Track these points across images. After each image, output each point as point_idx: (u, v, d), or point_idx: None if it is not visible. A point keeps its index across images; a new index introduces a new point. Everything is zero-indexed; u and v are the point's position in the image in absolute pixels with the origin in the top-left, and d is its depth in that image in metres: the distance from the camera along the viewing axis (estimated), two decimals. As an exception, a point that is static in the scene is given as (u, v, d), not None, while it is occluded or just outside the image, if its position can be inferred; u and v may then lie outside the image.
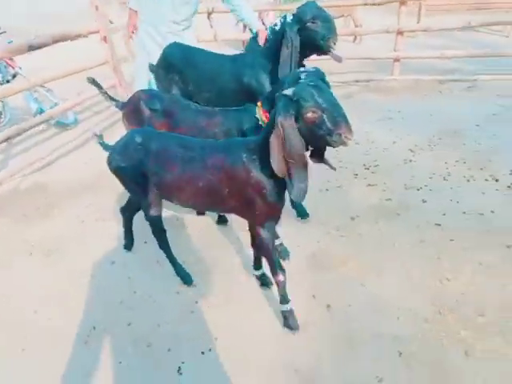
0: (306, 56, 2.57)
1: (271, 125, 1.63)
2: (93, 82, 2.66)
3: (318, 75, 1.80)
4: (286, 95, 1.55)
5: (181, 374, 1.87)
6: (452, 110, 4.52)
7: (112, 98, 2.70)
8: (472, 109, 4.52)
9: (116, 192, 3.28)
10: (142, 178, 2.02)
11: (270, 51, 2.62)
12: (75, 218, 3.14)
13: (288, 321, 2.04)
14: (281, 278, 2.00)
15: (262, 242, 1.97)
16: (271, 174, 1.70)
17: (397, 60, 5.77)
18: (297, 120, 1.54)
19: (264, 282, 2.35)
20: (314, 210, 2.89)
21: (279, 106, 1.56)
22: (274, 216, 1.95)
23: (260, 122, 2.28)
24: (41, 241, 2.90)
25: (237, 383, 1.81)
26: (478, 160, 3.42)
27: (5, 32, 4.87)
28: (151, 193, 2.08)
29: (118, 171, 2.11)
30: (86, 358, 1.99)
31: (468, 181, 3.15)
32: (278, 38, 2.52)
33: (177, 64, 2.86)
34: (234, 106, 2.53)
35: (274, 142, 1.58)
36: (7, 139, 3.86)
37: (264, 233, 1.94)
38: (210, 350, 1.96)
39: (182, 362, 1.91)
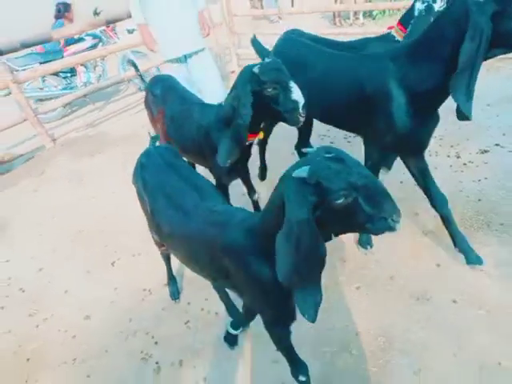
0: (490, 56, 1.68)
1: (273, 213, 1.26)
2: (132, 64, 3.04)
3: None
4: (298, 178, 1.11)
5: None
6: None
7: (143, 81, 2.94)
8: (493, 87, 4.25)
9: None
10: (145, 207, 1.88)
11: (417, 49, 1.86)
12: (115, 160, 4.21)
13: None
14: (303, 378, 1.73)
15: (276, 341, 1.70)
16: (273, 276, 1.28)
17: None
18: (315, 208, 1.12)
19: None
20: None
21: (289, 195, 1.13)
22: (287, 319, 1.55)
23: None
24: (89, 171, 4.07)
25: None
26: (456, 137, 3.46)
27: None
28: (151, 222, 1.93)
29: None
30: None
31: (430, 155, 3.26)
32: (440, 25, 1.72)
33: (289, 54, 2.50)
34: (346, 126, 2.44)
35: (282, 245, 1.17)
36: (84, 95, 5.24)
37: (276, 331, 1.65)
38: None
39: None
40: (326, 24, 9.40)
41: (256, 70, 1.92)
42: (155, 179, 1.79)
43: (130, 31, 6.55)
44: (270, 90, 1.92)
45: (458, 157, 3.21)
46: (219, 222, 1.51)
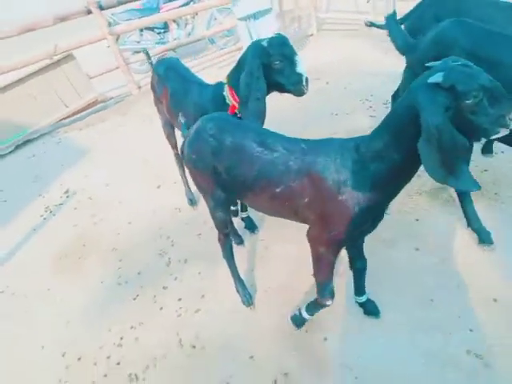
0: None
1: (392, 123, 1.39)
2: (145, 52, 3.28)
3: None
4: (432, 84, 1.22)
5: None
6: None
7: (151, 63, 3.24)
8: None
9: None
10: (213, 174, 1.83)
11: None
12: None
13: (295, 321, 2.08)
14: (329, 302, 1.84)
15: (321, 262, 1.76)
16: (375, 187, 1.45)
17: None
18: (446, 110, 1.23)
19: (369, 309, 2.10)
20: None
21: (424, 100, 1.23)
22: (350, 240, 1.73)
23: (227, 101, 2.26)
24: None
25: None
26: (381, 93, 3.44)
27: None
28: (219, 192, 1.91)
29: (188, 164, 1.95)
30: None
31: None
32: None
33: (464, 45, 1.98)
34: None
35: (425, 150, 1.26)
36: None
37: (328, 253, 1.70)
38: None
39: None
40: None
41: (265, 43, 2.05)
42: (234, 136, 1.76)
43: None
44: (277, 62, 2.04)
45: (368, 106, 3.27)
46: (315, 150, 1.58)
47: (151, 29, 6.74)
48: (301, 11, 7.07)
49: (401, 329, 1.93)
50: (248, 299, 2.30)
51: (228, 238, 2.22)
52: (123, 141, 4.54)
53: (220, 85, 2.34)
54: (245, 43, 4.70)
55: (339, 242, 1.66)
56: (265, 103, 2.11)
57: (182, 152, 1.97)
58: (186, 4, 6.82)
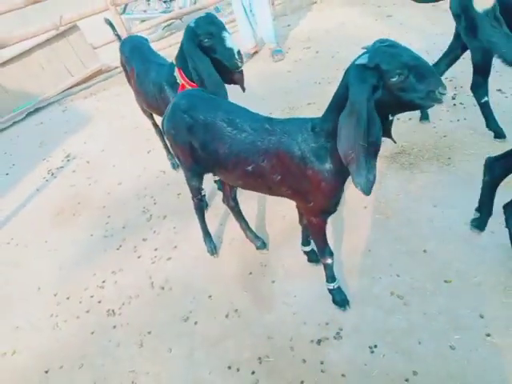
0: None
1: (337, 102, 1.47)
2: (109, 23, 3.19)
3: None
4: (359, 65, 1.33)
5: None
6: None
7: (120, 39, 3.15)
8: None
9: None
10: (189, 149, 1.95)
11: None
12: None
13: (335, 298, 2.12)
14: (329, 261, 2.02)
15: (314, 229, 1.95)
16: (335, 163, 1.57)
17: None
18: (375, 90, 1.32)
19: (312, 258, 2.35)
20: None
21: (352, 78, 1.34)
22: (331, 209, 1.82)
23: (178, 81, 2.36)
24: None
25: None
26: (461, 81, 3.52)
27: None
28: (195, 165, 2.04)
29: (168, 138, 2.08)
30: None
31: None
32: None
33: None
34: None
35: (345, 122, 1.38)
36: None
37: (317, 221, 1.87)
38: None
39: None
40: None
41: (192, 24, 2.15)
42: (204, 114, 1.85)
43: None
44: (206, 40, 2.12)
45: (453, 98, 3.35)
46: (280, 131, 1.67)
47: (156, -4, 6.88)
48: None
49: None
50: (212, 249, 2.59)
51: (200, 201, 2.46)
52: (120, 109, 4.82)
53: (172, 65, 2.45)
54: (237, 11, 4.84)
55: (323, 211, 1.81)
56: (218, 77, 2.20)
57: (163, 125, 2.08)
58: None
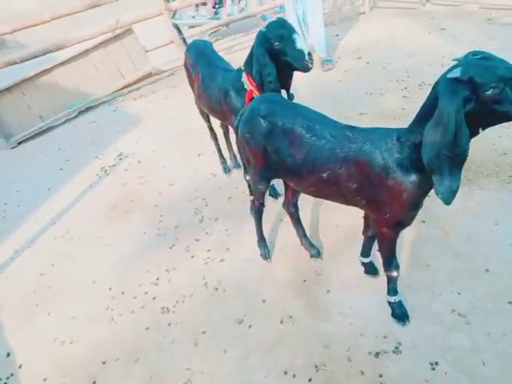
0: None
1: (424, 114, 1.47)
2: (176, 27, 3.45)
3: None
4: (451, 78, 1.32)
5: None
6: None
7: (186, 43, 3.36)
8: None
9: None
10: (262, 153, 1.96)
11: None
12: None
13: (395, 312, 2.10)
14: (394, 274, 2.01)
15: (384, 241, 1.92)
16: (419, 175, 1.56)
17: None
18: (465, 103, 1.32)
19: (370, 270, 2.35)
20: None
21: (442, 90, 1.35)
22: (407, 222, 1.78)
23: (245, 86, 2.43)
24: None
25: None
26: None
27: None
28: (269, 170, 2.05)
29: (242, 140, 2.07)
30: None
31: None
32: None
33: None
34: None
35: (431, 131, 1.39)
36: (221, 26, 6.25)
37: (390, 233, 1.84)
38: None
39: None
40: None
41: (263, 29, 2.20)
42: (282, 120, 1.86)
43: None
44: (276, 43, 2.15)
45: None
46: (362, 139, 1.67)
47: (205, 4, 7.04)
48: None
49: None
50: (266, 253, 2.62)
51: (262, 205, 2.44)
52: (170, 112, 4.96)
53: (239, 71, 2.50)
54: (290, 19, 4.88)
55: (398, 223, 1.78)
56: (277, 84, 2.26)
57: (237, 128, 2.09)
58: (240, -19, 7.04)
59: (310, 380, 1.96)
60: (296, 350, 2.11)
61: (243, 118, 2.02)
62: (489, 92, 1.28)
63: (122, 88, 5.79)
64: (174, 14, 7.13)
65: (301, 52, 2.14)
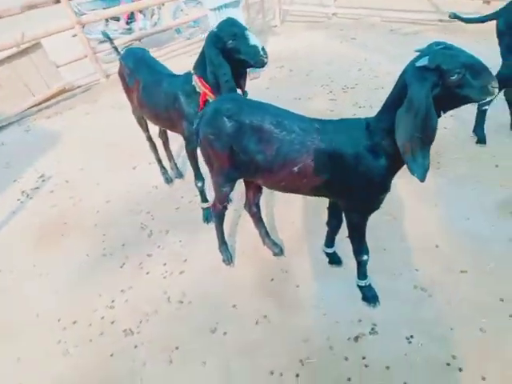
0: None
1: (392, 102, 1.57)
2: (106, 36, 3.17)
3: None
4: (420, 66, 1.43)
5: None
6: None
7: (118, 53, 3.06)
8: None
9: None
10: (229, 154, 1.93)
11: None
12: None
13: (366, 295, 2.20)
14: (365, 258, 2.11)
15: (355, 227, 2.00)
16: (388, 160, 1.65)
17: (487, 2, 5.65)
18: (434, 87, 1.43)
19: (334, 260, 2.44)
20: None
21: (412, 78, 1.45)
22: (377, 206, 1.87)
23: (198, 90, 2.38)
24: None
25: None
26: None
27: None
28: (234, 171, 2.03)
29: (204, 143, 2.00)
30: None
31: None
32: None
33: None
34: None
35: (403, 117, 1.48)
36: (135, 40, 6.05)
37: (360, 219, 1.94)
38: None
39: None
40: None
41: (215, 29, 2.18)
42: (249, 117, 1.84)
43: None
44: (230, 42, 2.13)
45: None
46: (332, 130, 1.74)
47: (117, 19, 6.79)
48: (266, 3, 7.32)
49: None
50: (229, 258, 2.56)
51: (224, 209, 2.38)
52: (94, 127, 4.66)
53: (188, 75, 2.45)
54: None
55: (369, 208, 1.87)
56: (233, 83, 2.21)
57: (197, 132, 2.02)
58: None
59: (297, 375, 1.95)
60: (277, 349, 2.08)
61: (205, 120, 1.96)
62: (453, 77, 1.40)
63: (33, 106, 5.30)
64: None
65: (255, 48, 2.13)
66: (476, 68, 1.41)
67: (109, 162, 3.94)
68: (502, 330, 1.98)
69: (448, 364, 1.88)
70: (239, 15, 4.42)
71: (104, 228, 3.12)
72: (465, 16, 3.28)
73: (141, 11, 6.81)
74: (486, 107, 3.12)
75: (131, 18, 6.98)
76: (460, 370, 1.86)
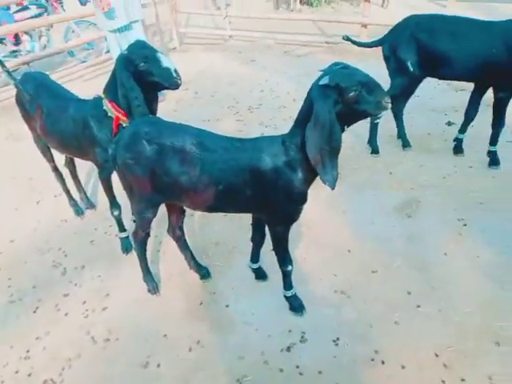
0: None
1: (302, 118, 1.70)
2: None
3: None
4: (322, 85, 1.58)
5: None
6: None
7: (12, 77, 2.79)
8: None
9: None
10: (150, 177, 1.91)
11: None
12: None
13: (293, 304, 2.29)
14: (289, 268, 2.20)
15: (278, 239, 2.09)
16: (304, 172, 1.79)
17: (364, 26, 6.35)
18: (336, 104, 1.59)
19: (260, 274, 2.51)
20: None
21: (316, 96, 1.59)
22: (297, 217, 2.00)
23: (110, 114, 2.33)
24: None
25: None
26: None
27: None
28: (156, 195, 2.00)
29: (122, 169, 1.96)
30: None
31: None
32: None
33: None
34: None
35: (311, 132, 1.62)
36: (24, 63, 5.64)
37: (283, 230, 2.04)
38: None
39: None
40: (271, 8, 10.05)
41: (125, 52, 2.17)
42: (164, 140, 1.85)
43: (83, 3, 6.89)
44: (142, 65, 2.12)
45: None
46: (251, 148, 1.82)
47: (0, 41, 6.25)
48: (162, 26, 7.33)
49: (280, 284, 2.36)
50: (155, 287, 2.50)
51: (147, 236, 2.32)
52: (-16, 160, 4.22)
53: (98, 99, 2.39)
54: (115, 55, 4.79)
55: (290, 219, 1.98)
56: (145, 108, 2.19)
57: (114, 158, 1.98)
58: (38, 15, 6.50)
59: (237, 395, 1.97)
60: (214, 372, 2.08)
61: (123, 145, 1.92)
62: (351, 94, 1.57)
63: None
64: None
65: (168, 70, 2.14)
66: (370, 85, 1.60)
67: (6, 198, 3.60)
68: (412, 320, 2.23)
69: (372, 359, 2.06)
70: (141, 37, 4.37)
71: (9, 270, 2.84)
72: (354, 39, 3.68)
73: (26, 32, 6.35)
74: (378, 121, 3.51)
75: (17, 40, 6.48)
76: (383, 362, 2.04)
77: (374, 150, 3.64)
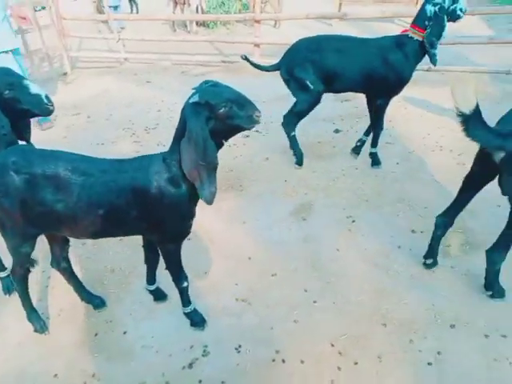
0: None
1: (179, 135, 1.68)
2: None
3: None
4: (193, 103, 1.62)
5: None
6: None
7: None
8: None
9: None
10: (22, 210, 1.78)
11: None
12: None
13: (193, 320, 2.25)
14: (185, 284, 2.15)
15: (170, 257, 2.07)
16: (188, 187, 1.76)
17: (257, 45, 6.66)
18: (207, 121, 1.61)
19: (158, 296, 2.43)
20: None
21: (188, 113, 1.62)
22: (186, 233, 1.98)
23: None
24: None
25: None
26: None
27: None
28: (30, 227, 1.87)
29: None
30: None
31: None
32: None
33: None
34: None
35: (186, 147, 1.63)
36: None
37: (174, 248, 2.02)
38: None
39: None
40: (168, 30, 10.10)
41: None
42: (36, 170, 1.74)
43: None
44: (6, 92, 2.00)
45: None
46: (131, 168, 1.78)
47: None
48: (51, 51, 6.95)
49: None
50: (42, 326, 2.27)
51: (28, 271, 2.15)
52: None
53: None
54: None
55: (180, 235, 1.96)
56: (13, 136, 2.05)
57: None
58: None
59: (137, 424, 1.85)
60: (112, 405, 1.94)
61: None
62: (221, 110, 1.62)
63: None
64: None
65: (38, 96, 2.04)
66: (240, 101, 1.64)
67: None
68: (310, 316, 2.31)
69: (273, 360, 2.08)
70: (14, 64, 4.08)
71: None
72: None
73: None
74: (293, 133, 3.64)
75: None
76: (283, 361, 2.08)
77: (298, 162, 3.76)
